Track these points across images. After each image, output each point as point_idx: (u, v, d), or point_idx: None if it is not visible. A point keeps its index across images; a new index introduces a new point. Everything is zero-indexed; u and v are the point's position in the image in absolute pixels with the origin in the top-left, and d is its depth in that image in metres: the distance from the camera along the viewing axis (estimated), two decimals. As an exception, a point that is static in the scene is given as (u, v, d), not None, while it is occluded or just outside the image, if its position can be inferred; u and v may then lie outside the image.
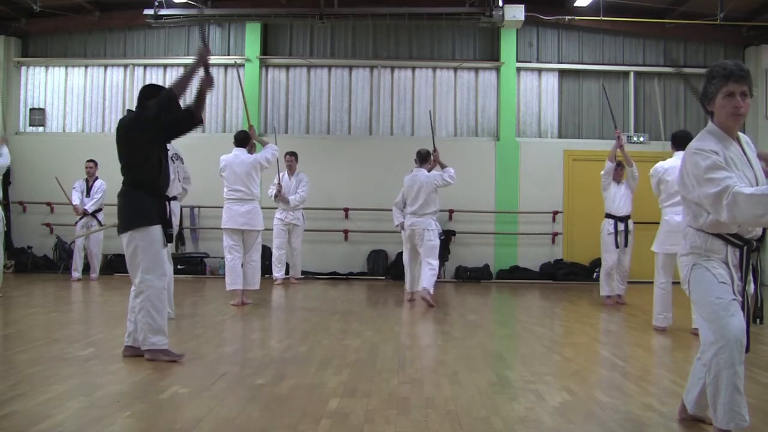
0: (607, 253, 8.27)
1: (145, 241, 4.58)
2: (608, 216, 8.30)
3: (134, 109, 4.89)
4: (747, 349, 2.93)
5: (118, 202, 4.75)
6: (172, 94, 4.59)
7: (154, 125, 4.63)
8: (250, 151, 7.91)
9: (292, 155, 10.24)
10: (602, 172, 8.26)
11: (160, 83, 11.97)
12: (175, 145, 6.09)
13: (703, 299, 3.01)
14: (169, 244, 4.82)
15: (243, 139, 7.86)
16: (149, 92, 4.79)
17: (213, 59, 12.38)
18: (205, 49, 4.77)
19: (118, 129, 4.76)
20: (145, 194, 4.65)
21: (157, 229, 4.63)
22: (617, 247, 8.19)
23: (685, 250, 3.14)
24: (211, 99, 12.27)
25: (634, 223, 8.45)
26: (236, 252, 7.70)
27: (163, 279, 4.65)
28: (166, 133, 4.83)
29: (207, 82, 4.80)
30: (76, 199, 10.22)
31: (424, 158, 8.30)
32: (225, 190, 7.79)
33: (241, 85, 9.10)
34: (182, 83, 4.63)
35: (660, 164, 6.54)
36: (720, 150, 2.94)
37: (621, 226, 8.20)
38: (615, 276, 8.32)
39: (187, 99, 5.08)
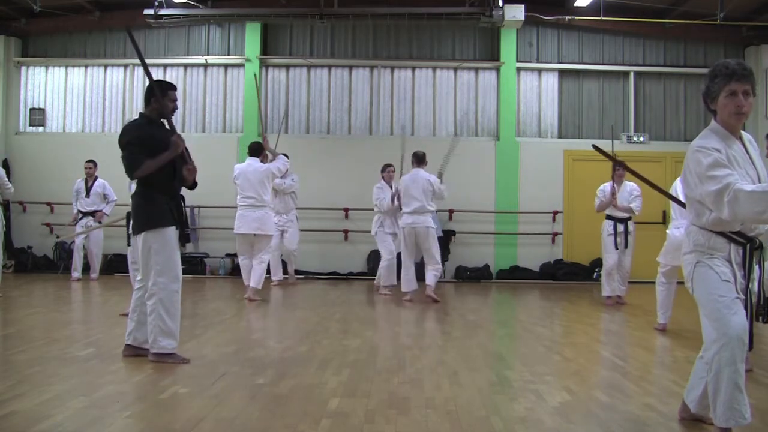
0: (607, 254, 8.28)
1: (158, 243, 4.54)
2: (608, 217, 8.30)
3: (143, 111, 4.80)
4: (750, 347, 2.93)
5: (132, 203, 4.74)
6: (130, 168, 4.54)
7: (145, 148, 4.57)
8: (263, 161, 8.36)
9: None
10: (596, 205, 8.33)
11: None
12: None
13: (705, 297, 3.01)
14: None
15: (257, 150, 8.35)
16: (152, 92, 4.69)
17: (213, 59, 12.47)
18: (177, 137, 4.57)
19: (121, 136, 4.69)
20: (159, 195, 4.60)
21: (171, 231, 4.59)
22: (617, 248, 8.19)
23: (688, 248, 3.14)
24: (212, 99, 12.28)
25: (635, 223, 8.45)
26: (249, 254, 8.31)
27: (177, 282, 4.59)
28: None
29: (189, 173, 4.69)
30: (75, 208, 10.22)
31: (420, 159, 8.49)
32: (238, 197, 8.30)
33: (258, 96, 9.14)
34: (156, 162, 4.51)
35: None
36: (722, 148, 2.95)
37: (621, 228, 8.19)
38: (615, 276, 8.32)
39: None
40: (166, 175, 4.62)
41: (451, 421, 3.34)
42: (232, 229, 11.66)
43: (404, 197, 8.47)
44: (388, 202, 9.22)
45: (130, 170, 4.57)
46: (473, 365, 4.71)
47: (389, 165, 9.50)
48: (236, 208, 8.34)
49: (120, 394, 3.74)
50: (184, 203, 4.81)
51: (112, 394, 3.73)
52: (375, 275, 11.36)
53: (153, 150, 4.55)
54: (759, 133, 11.46)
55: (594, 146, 4.01)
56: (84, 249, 10.36)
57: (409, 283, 8.47)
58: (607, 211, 8.30)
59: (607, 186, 8.22)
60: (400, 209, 9.23)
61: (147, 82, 4.75)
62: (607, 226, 8.28)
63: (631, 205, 8.13)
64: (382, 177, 9.50)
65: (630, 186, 8.20)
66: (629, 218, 8.26)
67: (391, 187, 9.40)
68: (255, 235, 8.17)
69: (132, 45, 4.76)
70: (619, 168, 8.20)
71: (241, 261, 8.42)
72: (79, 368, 4.35)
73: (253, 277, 8.06)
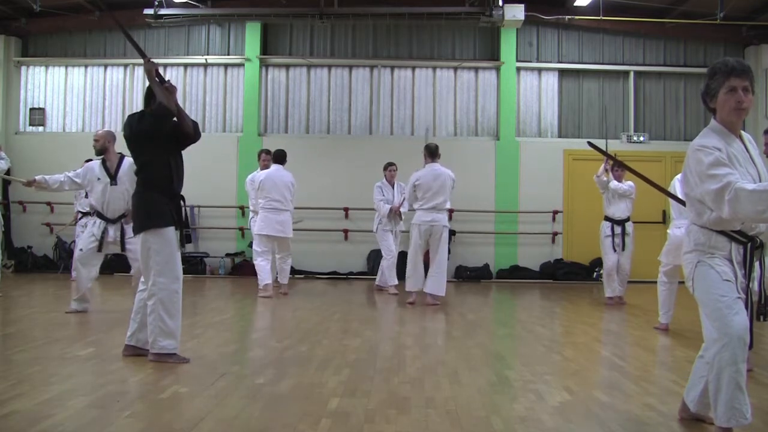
0: (606, 255, 8.27)
1: (158, 243, 4.52)
2: (606, 219, 8.27)
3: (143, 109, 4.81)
4: (750, 346, 2.93)
5: (132, 203, 4.74)
6: (161, 109, 4.51)
7: (150, 137, 4.55)
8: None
9: (269, 153, 9.48)
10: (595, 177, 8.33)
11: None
12: None
13: (706, 297, 3.01)
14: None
15: (282, 157, 8.84)
16: (152, 93, 4.68)
17: (213, 59, 12.48)
18: (147, 61, 4.58)
19: (125, 128, 4.71)
20: (158, 195, 4.58)
21: (170, 231, 4.57)
22: (614, 250, 8.17)
23: (688, 247, 3.14)
24: (212, 99, 12.28)
25: (634, 223, 8.41)
26: (268, 255, 8.71)
27: (177, 282, 4.57)
28: (172, 141, 4.69)
29: (169, 92, 4.61)
30: (76, 208, 10.21)
31: (434, 152, 8.05)
32: (261, 201, 8.62)
33: None
34: (160, 95, 4.52)
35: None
36: (723, 147, 2.95)
37: (618, 230, 8.16)
38: (615, 277, 8.26)
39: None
40: (165, 176, 4.61)
41: (451, 421, 3.34)
42: (232, 228, 11.80)
43: (424, 193, 7.88)
44: (386, 211, 9.16)
45: (163, 120, 4.50)
46: (473, 365, 4.71)
47: (391, 164, 9.43)
48: (236, 208, 8.34)
49: (120, 394, 3.74)
50: (184, 203, 4.80)
51: (112, 394, 3.73)
52: (375, 275, 11.38)
53: (157, 142, 4.54)
54: (759, 134, 11.46)
55: (589, 143, 4.00)
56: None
57: (416, 282, 8.03)
58: (606, 213, 8.28)
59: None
60: (400, 216, 9.17)
61: (147, 82, 4.74)
62: (605, 227, 8.26)
63: (619, 184, 8.10)
64: (384, 176, 9.44)
65: (627, 183, 8.21)
66: (627, 219, 8.22)
67: (393, 186, 9.35)
68: (276, 237, 8.64)
69: (118, 26, 4.71)
70: (619, 169, 8.21)
71: (259, 261, 8.61)
72: (79, 368, 4.35)
73: (283, 276, 8.89)
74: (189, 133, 4.68)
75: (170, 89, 4.61)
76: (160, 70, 4.68)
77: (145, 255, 4.59)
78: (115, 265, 11.36)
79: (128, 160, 6.82)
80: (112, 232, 6.73)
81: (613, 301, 8.31)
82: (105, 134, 6.81)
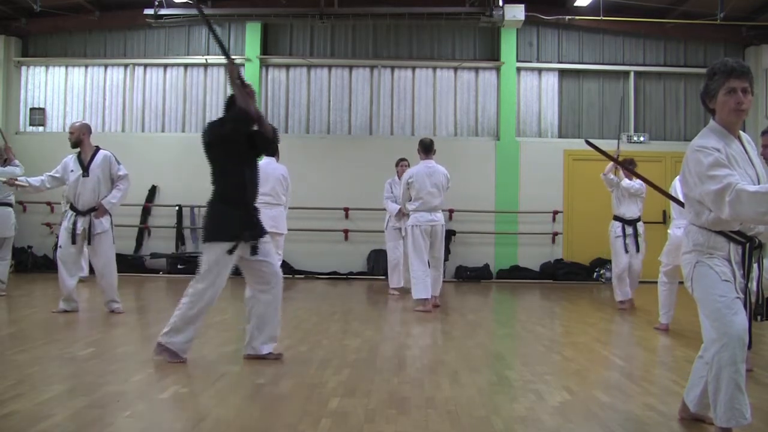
0: (616, 257, 7.87)
1: (210, 255, 4.50)
2: (616, 218, 7.95)
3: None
4: (749, 346, 2.93)
5: (206, 210, 4.72)
6: (242, 112, 4.53)
7: (230, 141, 4.54)
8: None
9: None
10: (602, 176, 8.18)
11: (160, 83, 12.04)
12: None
13: (705, 297, 3.01)
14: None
15: (274, 149, 8.23)
16: (232, 101, 4.71)
17: (214, 59, 12.47)
18: (230, 63, 4.65)
19: (204, 135, 4.69)
20: (227, 208, 4.56)
21: (225, 246, 4.49)
22: (627, 251, 7.82)
23: (687, 248, 3.14)
24: (212, 99, 12.27)
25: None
26: None
27: (209, 293, 4.52)
28: (249, 150, 4.70)
29: (250, 96, 4.64)
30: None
31: (428, 148, 7.66)
32: None
33: None
34: (241, 98, 4.54)
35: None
36: (722, 147, 2.95)
37: (629, 230, 7.83)
38: (627, 280, 7.90)
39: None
40: (238, 186, 4.59)
41: (451, 421, 3.34)
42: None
43: (418, 192, 7.50)
44: (393, 210, 9.00)
45: (244, 123, 4.52)
46: (473, 365, 4.71)
47: (403, 159, 9.24)
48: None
49: (120, 394, 3.74)
50: (257, 213, 4.74)
51: (112, 394, 3.73)
52: (375, 275, 11.40)
53: (233, 149, 4.55)
54: (759, 134, 11.45)
55: (587, 141, 3.99)
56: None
57: (426, 289, 7.43)
58: (615, 212, 7.96)
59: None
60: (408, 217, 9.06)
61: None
62: (615, 227, 7.90)
63: (631, 182, 7.78)
64: (396, 172, 9.25)
65: (638, 181, 8.10)
66: (638, 219, 7.92)
67: None
68: (269, 232, 8.21)
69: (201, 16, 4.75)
70: (623, 169, 8.12)
71: None
72: (79, 368, 4.35)
73: None
74: (269, 137, 4.70)
75: (250, 93, 4.63)
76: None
77: (201, 259, 4.61)
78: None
79: (102, 153, 6.94)
80: (80, 223, 6.78)
81: (625, 305, 7.93)
82: (80, 126, 6.97)
